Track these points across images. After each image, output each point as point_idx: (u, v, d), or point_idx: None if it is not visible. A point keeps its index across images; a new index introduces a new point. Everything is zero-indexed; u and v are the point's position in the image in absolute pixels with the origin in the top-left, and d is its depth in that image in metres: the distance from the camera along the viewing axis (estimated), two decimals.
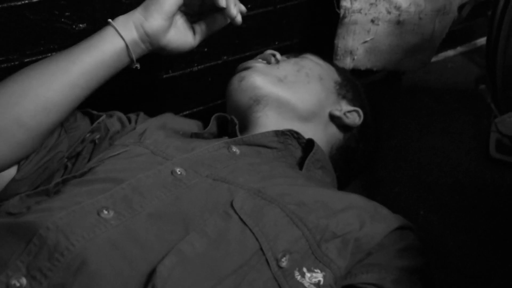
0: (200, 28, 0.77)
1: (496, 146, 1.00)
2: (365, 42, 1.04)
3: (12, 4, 0.77)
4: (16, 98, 0.65)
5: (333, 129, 0.86)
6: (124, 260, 0.49)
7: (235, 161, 0.68)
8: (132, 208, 0.56)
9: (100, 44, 0.69)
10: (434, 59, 1.40)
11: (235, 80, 0.82)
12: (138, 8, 0.71)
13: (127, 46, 0.70)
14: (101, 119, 0.77)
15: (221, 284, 0.50)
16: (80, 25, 0.84)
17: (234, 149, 0.70)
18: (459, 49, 1.47)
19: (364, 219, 0.62)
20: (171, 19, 0.71)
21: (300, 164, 0.75)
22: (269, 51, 0.90)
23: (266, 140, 0.74)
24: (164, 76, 0.97)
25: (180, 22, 0.74)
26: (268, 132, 0.75)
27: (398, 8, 1.01)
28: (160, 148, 0.68)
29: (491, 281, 0.82)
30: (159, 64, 0.95)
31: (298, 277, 0.54)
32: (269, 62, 0.86)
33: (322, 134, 0.84)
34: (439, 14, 1.04)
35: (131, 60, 0.72)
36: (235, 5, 0.73)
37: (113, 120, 0.79)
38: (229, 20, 0.75)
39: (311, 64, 0.86)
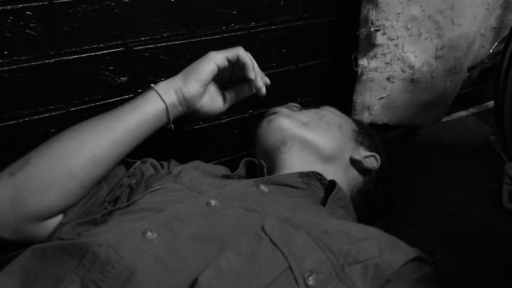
0: (229, 95, 0.87)
1: (508, 197, 1.04)
2: (382, 98, 1.11)
3: (64, 58, 0.86)
4: (69, 152, 0.73)
5: (353, 172, 0.91)
6: (168, 271, 0.54)
7: (263, 197, 0.74)
8: (173, 231, 0.61)
9: (144, 106, 0.78)
10: (447, 118, 1.47)
11: (265, 122, 0.89)
12: (178, 75, 0.81)
13: (167, 108, 0.79)
14: (136, 164, 0.84)
15: None
16: (122, 78, 0.93)
17: (263, 187, 0.76)
18: (471, 110, 1.54)
19: (383, 248, 0.67)
20: (206, 86, 0.81)
21: (323, 203, 0.81)
22: (291, 103, 0.97)
23: (292, 180, 0.80)
24: (195, 127, 1.05)
25: (213, 89, 0.84)
26: (293, 173, 0.80)
27: (411, 67, 1.09)
28: (195, 185, 0.74)
29: None
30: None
31: None
32: (292, 109, 0.94)
33: (343, 176, 0.89)
34: (450, 74, 1.12)
35: (169, 121, 0.80)
36: (261, 78, 0.84)
37: (147, 166, 0.86)
38: (254, 91, 0.85)
39: (331, 114, 0.93)
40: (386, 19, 1.03)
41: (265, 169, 0.83)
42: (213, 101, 0.84)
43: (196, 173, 0.80)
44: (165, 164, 0.89)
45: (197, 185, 0.75)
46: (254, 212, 0.67)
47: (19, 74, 0.83)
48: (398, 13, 1.03)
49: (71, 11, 0.84)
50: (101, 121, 0.77)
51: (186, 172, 0.80)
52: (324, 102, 1.17)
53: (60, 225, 0.74)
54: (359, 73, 1.08)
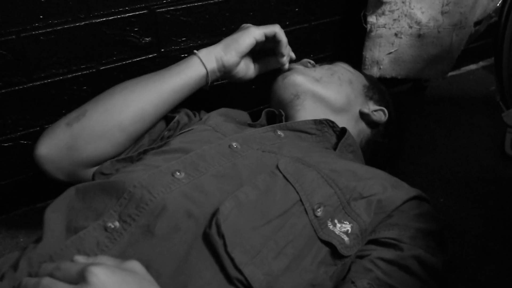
0: (258, 66, 0.97)
1: (511, 145, 1.11)
2: (390, 53, 1.17)
3: (93, 21, 0.94)
4: (121, 108, 0.82)
5: (362, 125, 0.99)
6: (194, 204, 0.63)
7: (280, 140, 0.82)
8: (199, 170, 0.70)
9: (187, 70, 0.87)
10: (456, 72, 1.52)
11: (280, 78, 0.95)
12: (219, 44, 0.90)
13: (207, 73, 0.88)
14: (176, 119, 0.92)
15: (268, 224, 0.63)
16: (146, 39, 1.00)
17: (279, 132, 0.84)
18: (481, 63, 1.59)
19: (386, 186, 0.75)
20: (243, 57, 0.91)
21: (334, 149, 0.88)
22: (305, 60, 1.04)
23: (306, 127, 0.88)
24: (215, 83, 1.13)
25: (247, 59, 0.93)
26: (308, 120, 0.88)
27: (418, 23, 1.14)
28: (220, 127, 0.83)
29: (505, 257, 0.92)
30: None
31: (330, 226, 0.67)
32: (306, 66, 1.00)
33: (353, 128, 0.97)
34: (456, 28, 1.17)
35: (207, 84, 0.90)
36: (288, 55, 0.94)
37: (181, 115, 0.94)
38: (279, 66, 0.95)
39: (343, 70, 1.00)
40: None
41: (283, 117, 0.91)
42: (246, 69, 0.94)
43: (221, 119, 0.88)
44: (196, 113, 0.98)
45: (222, 128, 0.83)
46: (270, 153, 0.76)
47: (53, 36, 0.91)
48: None
49: None
50: (149, 81, 0.86)
51: (213, 117, 0.88)
52: (336, 58, 1.24)
53: None
54: (368, 29, 1.14)
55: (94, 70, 0.98)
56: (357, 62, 1.18)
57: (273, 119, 0.95)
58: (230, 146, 0.76)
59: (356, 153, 0.91)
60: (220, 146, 0.76)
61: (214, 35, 1.07)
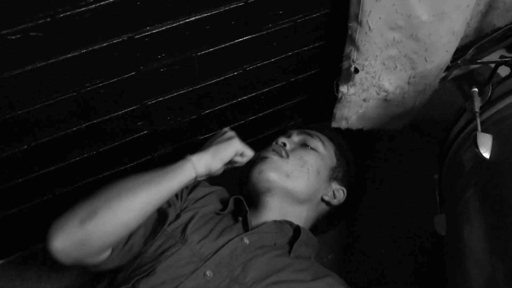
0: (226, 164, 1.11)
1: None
2: (357, 111, 1.30)
3: None
4: (127, 211, 0.97)
5: (322, 206, 1.19)
6: None
7: (245, 255, 1.01)
8: None
9: (181, 174, 1.03)
10: None
11: (256, 171, 1.12)
12: (207, 151, 1.06)
13: (196, 177, 1.04)
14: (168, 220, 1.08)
15: None
16: None
17: (245, 240, 1.03)
18: None
19: None
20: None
21: (291, 243, 1.09)
22: (280, 142, 1.17)
23: (268, 228, 1.07)
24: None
25: None
26: (269, 222, 1.08)
27: (386, 90, 1.25)
28: (196, 249, 1.01)
29: None
30: None
31: None
32: (281, 155, 1.13)
33: (313, 211, 1.17)
34: (420, 93, 1.29)
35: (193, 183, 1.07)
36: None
37: (171, 210, 1.10)
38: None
39: (313, 159, 1.14)
40: (366, 59, 1.17)
41: (248, 214, 1.09)
42: (221, 169, 1.10)
43: (196, 233, 1.05)
44: (178, 194, 1.14)
45: (197, 249, 1.01)
46: (236, 284, 0.96)
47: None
48: (377, 56, 1.17)
49: None
50: (150, 184, 1.00)
51: (192, 228, 1.05)
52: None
53: (109, 259, 1.01)
54: (338, 97, 1.26)
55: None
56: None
57: (239, 206, 1.13)
58: (204, 274, 0.96)
59: (308, 245, 1.11)
60: (197, 276, 0.95)
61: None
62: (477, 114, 0.94)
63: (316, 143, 1.18)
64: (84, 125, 1.08)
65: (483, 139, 0.89)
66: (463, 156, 0.99)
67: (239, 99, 1.27)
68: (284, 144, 1.17)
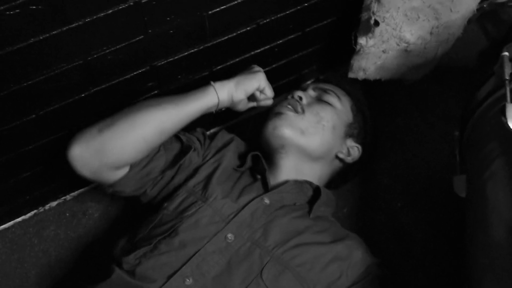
0: (249, 102, 1.14)
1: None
2: (376, 62, 1.24)
3: None
4: (146, 123, 1.00)
5: (336, 163, 1.16)
6: None
7: (266, 216, 1.01)
8: (203, 274, 0.93)
9: (204, 98, 1.05)
10: None
11: (270, 126, 1.10)
12: (232, 80, 1.08)
13: (218, 103, 1.06)
14: (187, 156, 1.09)
15: None
16: None
17: (266, 200, 1.03)
18: None
19: (343, 270, 0.98)
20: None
21: (310, 200, 1.09)
22: (296, 95, 1.13)
23: (289, 188, 1.07)
24: None
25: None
26: (290, 182, 1.07)
27: (406, 42, 1.18)
28: (217, 207, 1.01)
29: (441, 271, 1.17)
30: None
31: None
32: (296, 111, 1.10)
33: (328, 168, 1.16)
34: (442, 43, 1.22)
35: (215, 111, 1.08)
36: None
37: (194, 154, 1.11)
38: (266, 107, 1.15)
39: (329, 114, 1.12)
40: (387, 11, 1.10)
41: (266, 173, 1.08)
42: (244, 104, 1.12)
43: (218, 189, 1.04)
44: (205, 138, 1.16)
45: (219, 207, 1.01)
46: (257, 248, 0.96)
47: None
48: (399, 7, 1.10)
49: None
50: (170, 104, 1.02)
51: (213, 187, 1.04)
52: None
53: (125, 177, 1.03)
54: (356, 49, 1.19)
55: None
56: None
57: (257, 163, 1.11)
58: (225, 238, 0.96)
59: (327, 205, 1.11)
60: (218, 240, 0.96)
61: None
62: (507, 82, 0.89)
63: (332, 98, 1.14)
64: (93, 90, 1.04)
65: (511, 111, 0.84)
66: (490, 122, 0.95)
67: (252, 53, 1.21)
68: (300, 98, 1.13)
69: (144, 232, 1.01)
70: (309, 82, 1.38)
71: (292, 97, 1.14)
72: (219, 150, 1.14)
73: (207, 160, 1.12)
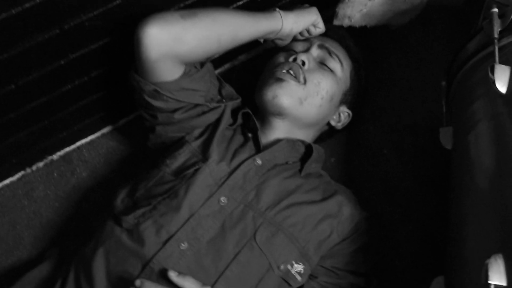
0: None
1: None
2: (361, 10, 1.21)
3: None
4: (225, 24, 1.02)
5: (326, 127, 1.19)
6: (196, 277, 0.90)
7: (258, 177, 1.02)
8: (197, 238, 0.95)
9: (271, 20, 1.07)
10: None
11: (270, 93, 1.07)
12: (292, 12, 1.10)
13: (281, 29, 1.07)
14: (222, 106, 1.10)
15: None
16: None
17: (258, 160, 1.04)
18: None
19: (334, 226, 1.01)
20: None
21: (302, 158, 1.10)
22: (299, 60, 1.10)
23: (281, 148, 1.08)
24: None
25: None
26: (282, 142, 1.08)
27: None
28: (213, 170, 1.01)
29: (427, 218, 1.21)
30: None
31: (288, 267, 0.97)
32: (298, 80, 1.08)
33: (319, 131, 1.18)
34: None
35: (269, 38, 1.10)
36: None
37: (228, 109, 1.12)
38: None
39: (330, 84, 1.11)
40: None
41: (258, 132, 1.08)
42: (290, 39, 1.15)
43: (215, 151, 1.03)
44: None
45: (215, 170, 1.01)
46: (250, 211, 0.98)
47: None
48: None
49: None
50: (246, 15, 1.05)
51: (213, 149, 1.03)
52: None
53: (174, 83, 1.02)
54: None
55: None
56: None
57: (247, 121, 1.11)
58: (219, 201, 0.98)
59: (317, 162, 1.13)
60: (211, 203, 0.98)
61: None
62: (496, 41, 0.87)
63: (335, 64, 1.13)
64: (72, 56, 1.00)
65: (500, 71, 0.84)
66: (478, 79, 0.95)
67: None
68: (303, 63, 1.11)
69: (146, 188, 1.02)
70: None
71: (295, 60, 1.11)
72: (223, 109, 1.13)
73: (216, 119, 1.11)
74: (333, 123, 1.16)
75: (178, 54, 0.98)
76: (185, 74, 1.02)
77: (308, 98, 1.08)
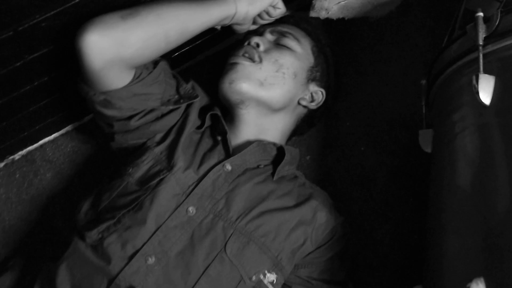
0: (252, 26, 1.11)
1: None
2: (339, 2, 1.15)
3: None
4: (170, 18, 0.93)
5: (300, 109, 1.12)
6: None
7: (228, 184, 0.97)
8: (165, 251, 0.90)
9: (223, 6, 0.98)
10: None
11: (226, 81, 1.02)
12: None
13: (234, 15, 0.99)
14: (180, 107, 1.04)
15: None
16: None
17: (228, 166, 0.99)
18: None
19: (308, 233, 0.98)
20: None
21: (274, 160, 1.06)
22: (253, 42, 1.05)
23: (251, 151, 1.02)
24: None
25: None
26: (252, 145, 1.03)
27: None
28: (180, 178, 0.95)
29: (405, 216, 1.18)
30: None
31: (261, 277, 0.93)
32: (253, 60, 1.03)
33: (291, 116, 1.11)
34: None
35: (224, 24, 1.02)
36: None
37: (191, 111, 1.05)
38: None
39: (289, 61, 1.05)
40: None
41: (227, 135, 1.03)
42: (249, 24, 1.08)
43: (182, 160, 0.97)
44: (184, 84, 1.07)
45: (182, 178, 0.95)
46: (220, 221, 0.94)
47: None
48: None
49: None
50: (194, 5, 0.95)
51: (178, 156, 0.97)
52: None
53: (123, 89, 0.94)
54: None
55: None
56: None
57: (217, 121, 1.06)
58: (187, 211, 0.93)
59: (291, 163, 1.08)
60: (179, 214, 0.92)
61: None
62: (480, 48, 0.83)
63: (291, 42, 1.08)
64: (29, 58, 0.93)
65: (484, 82, 0.80)
66: (462, 85, 0.90)
67: None
68: (257, 45, 1.05)
69: (109, 199, 0.96)
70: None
71: (249, 43, 1.06)
72: (185, 109, 1.07)
73: (178, 121, 1.05)
74: (304, 102, 1.09)
75: (124, 59, 0.90)
76: (135, 79, 0.95)
77: (268, 78, 1.02)
